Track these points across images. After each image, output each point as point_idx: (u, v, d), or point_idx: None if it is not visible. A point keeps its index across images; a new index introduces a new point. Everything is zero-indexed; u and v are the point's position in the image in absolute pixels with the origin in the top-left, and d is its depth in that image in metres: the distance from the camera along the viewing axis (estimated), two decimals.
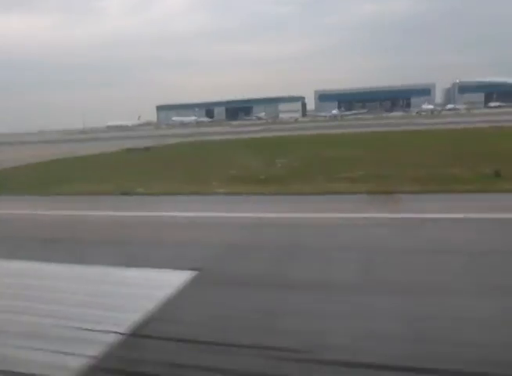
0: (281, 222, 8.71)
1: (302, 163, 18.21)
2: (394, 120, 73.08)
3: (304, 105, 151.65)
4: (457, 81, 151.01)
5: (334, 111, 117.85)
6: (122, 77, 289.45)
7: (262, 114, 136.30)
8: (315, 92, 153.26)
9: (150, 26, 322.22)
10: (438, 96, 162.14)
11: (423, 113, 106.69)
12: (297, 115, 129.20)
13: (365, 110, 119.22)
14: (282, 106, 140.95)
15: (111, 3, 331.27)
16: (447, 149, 20.26)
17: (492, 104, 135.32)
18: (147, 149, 32.92)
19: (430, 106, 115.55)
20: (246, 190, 11.94)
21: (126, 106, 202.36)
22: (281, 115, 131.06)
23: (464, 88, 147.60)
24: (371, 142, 28.38)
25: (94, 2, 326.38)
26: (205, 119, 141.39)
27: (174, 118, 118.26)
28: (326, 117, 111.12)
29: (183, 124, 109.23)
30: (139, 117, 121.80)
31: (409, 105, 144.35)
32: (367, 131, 40.13)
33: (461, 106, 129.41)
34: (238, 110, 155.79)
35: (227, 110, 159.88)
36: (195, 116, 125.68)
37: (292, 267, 6.11)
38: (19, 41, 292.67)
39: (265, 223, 8.66)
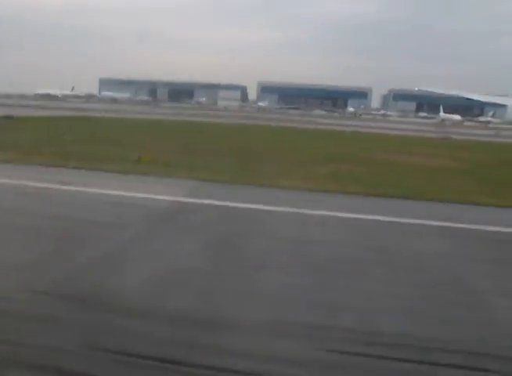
0: None
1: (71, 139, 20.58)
2: (308, 118, 76.69)
3: (245, 94, 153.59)
4: (392, 88, 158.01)
5: (260, 103, 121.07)
6: (82, 45, 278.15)
7: (203, 99, 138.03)
8: (258, 83, 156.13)
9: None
10: (377, 101, 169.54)
11: (347, 114, 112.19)
12: (235, 103, 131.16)
13: (293, 106, 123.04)
14: (222, 93, 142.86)
15: None
16: (225, 140, 23.43)
17: (421, 114, 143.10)
18: (8, 117, 34.33)
19: (352, 109, 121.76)
20: None
21: (83, 76, 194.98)
22: (219, 102, 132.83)
23: (398, 96, 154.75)
24: (202, 131, 31.50)
25: None
26: (144, 98, 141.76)
27: (103, 93, 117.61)
28: (254, 107, 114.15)
29: (113, 100, 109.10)
30: (73, 87, 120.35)
31: (346, 105, 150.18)
32: (247, 123, 43.19)
33: (393, 113, 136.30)
34: (180, 92, 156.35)
35: (169, 91, 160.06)
36: (131, 93, 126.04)
37: None
38: None
39: None
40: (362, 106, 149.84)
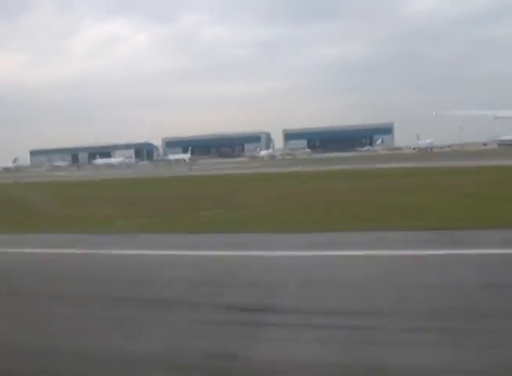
0: None
1: None
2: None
3: (149, 151, 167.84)
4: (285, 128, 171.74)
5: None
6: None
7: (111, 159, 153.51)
8: (162, 139, 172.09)
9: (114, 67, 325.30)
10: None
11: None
12: (127, 160, 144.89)
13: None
14: (117, 153, 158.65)
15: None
16: None
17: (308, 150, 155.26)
18: None
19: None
20: None
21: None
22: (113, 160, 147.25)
23: (289, 136, 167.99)
24: None
25: None
26: (60, 163, 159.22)
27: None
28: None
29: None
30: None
31: (243, 150, 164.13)
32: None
33: (277, 153, 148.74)
34: (98, 154, 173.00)
35: (89, 154, 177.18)
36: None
37: None
38: None
39: None
40: (258, 149, 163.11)
